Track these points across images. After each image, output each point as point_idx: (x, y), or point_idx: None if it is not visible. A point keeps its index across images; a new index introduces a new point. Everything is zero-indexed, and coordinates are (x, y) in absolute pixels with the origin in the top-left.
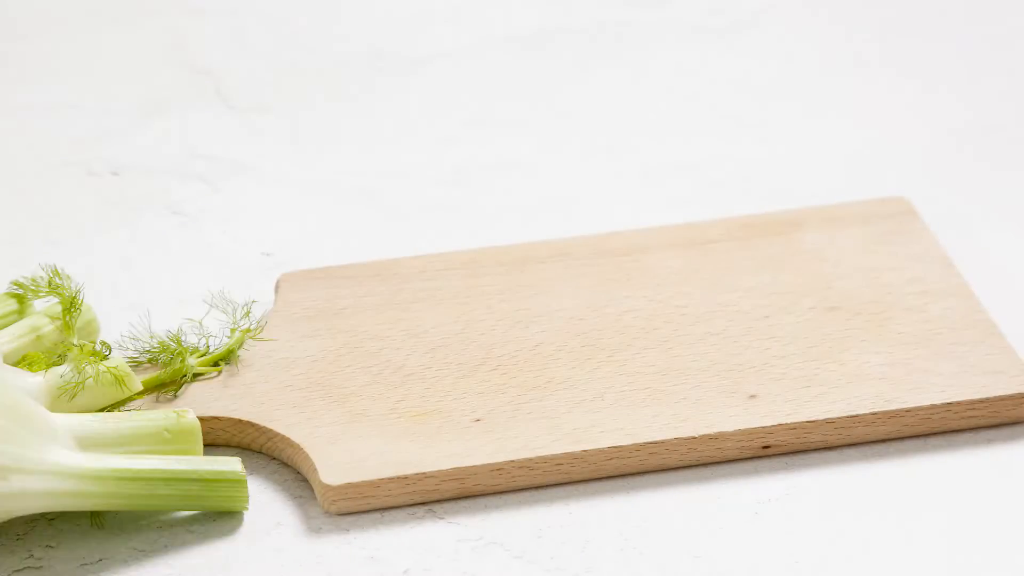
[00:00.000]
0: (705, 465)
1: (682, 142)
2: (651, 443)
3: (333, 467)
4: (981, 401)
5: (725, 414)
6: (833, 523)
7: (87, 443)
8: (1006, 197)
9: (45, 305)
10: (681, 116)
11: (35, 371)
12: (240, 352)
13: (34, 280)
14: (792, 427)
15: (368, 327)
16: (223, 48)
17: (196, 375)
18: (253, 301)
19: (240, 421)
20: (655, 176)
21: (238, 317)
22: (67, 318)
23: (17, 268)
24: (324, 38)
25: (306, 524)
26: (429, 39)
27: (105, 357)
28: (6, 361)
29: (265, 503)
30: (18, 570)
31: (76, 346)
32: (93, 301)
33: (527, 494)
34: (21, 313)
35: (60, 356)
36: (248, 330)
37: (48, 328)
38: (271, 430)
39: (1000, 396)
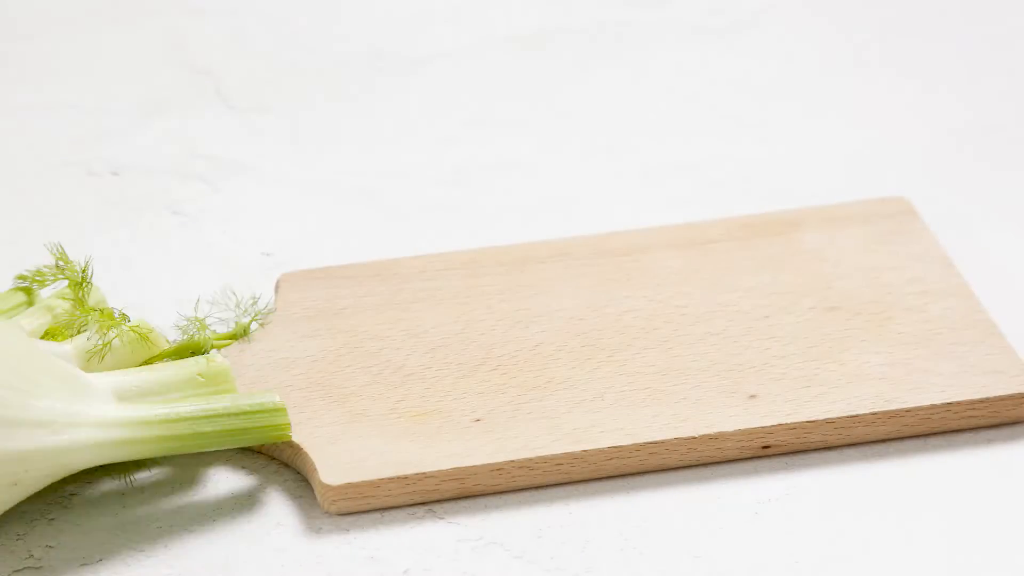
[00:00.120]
0: (705, 465)
1: (682, 142)
2: (651, 443)
3: (333, 467)
4: (981, 401)
5: (725, 414)
6: (833, 523)
7: (125, 396)
8: (1006, 197)
9: (51, 292)
10: (681, 116)
11: (60, 341)
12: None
13: (39, 271)
14: (792, 427)
15: (368, 327)
16: (223, 48)
17: (214, 346)
18: (258, 296)
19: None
20: (655, 176)
21: (246, 305)
22: (79, 294)
23: (17, 268)
24: (324, 38)
25: (306, 524)
26: (429, 39)
27: (125, 318)
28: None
29: (265, 503)
30: (18, 570)
31: (96, 311)
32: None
33: (527, 494)
34: (30, 304)
35: (81, 326)
36: (258, 311)
37: (61, 308)
38: None
39: (1000, 396)
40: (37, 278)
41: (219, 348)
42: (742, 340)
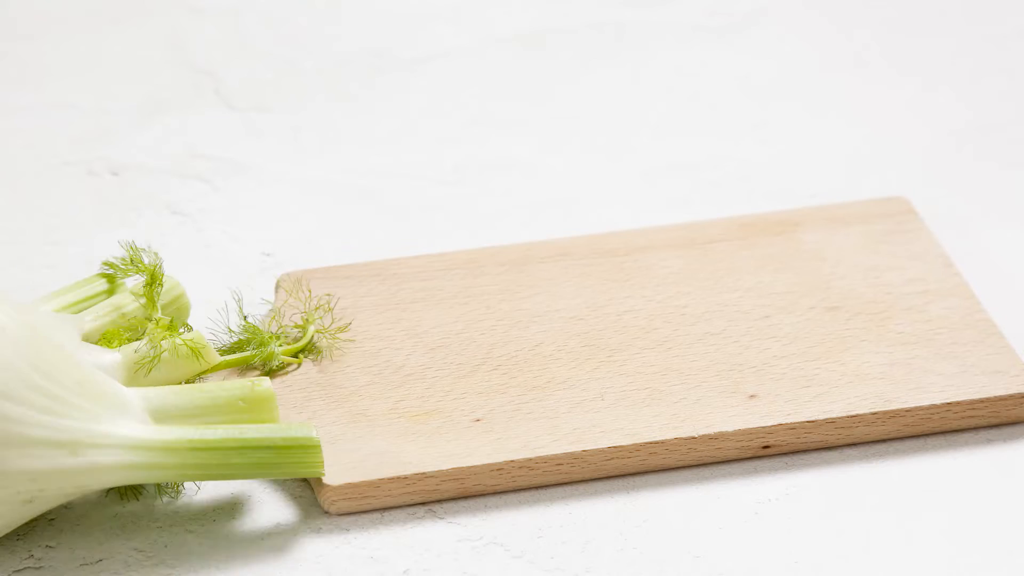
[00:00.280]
0: (705, 465)
1: (682, 142)
2: (651, 443)
3: (333, 467)
4: (981, 401)
5: (725, 414)
6: (833, 523)
7: (161, 415)
8: (1006, 197)
9: (134, 283)
10: (681, 116)
11: (112, 347)
12: (325, 347)
13: (123, 260)
14: (792, 427)
15: (368, 327)
16: (223, 48)
17: (280, 365)
18: (329, 294)
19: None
20: (655, 176)
21: (311, 308)
22: (149, 293)
23: (17, 268)
24: (324, 38)
25: (306, 524)
26: (429, 39)
27: (180, 331)
28: (87, 339)
29: (265, 503)
30: (18, 570)
31: (153, 320)
32: None
33: (527, 494)
34: (111, 292)
35: (139, 332)
36: (327, 329)
37: (132, 306)
38: None
39: (1000, 396)
40: (122, 267)
41: (286, 363)
42: (742, 340)
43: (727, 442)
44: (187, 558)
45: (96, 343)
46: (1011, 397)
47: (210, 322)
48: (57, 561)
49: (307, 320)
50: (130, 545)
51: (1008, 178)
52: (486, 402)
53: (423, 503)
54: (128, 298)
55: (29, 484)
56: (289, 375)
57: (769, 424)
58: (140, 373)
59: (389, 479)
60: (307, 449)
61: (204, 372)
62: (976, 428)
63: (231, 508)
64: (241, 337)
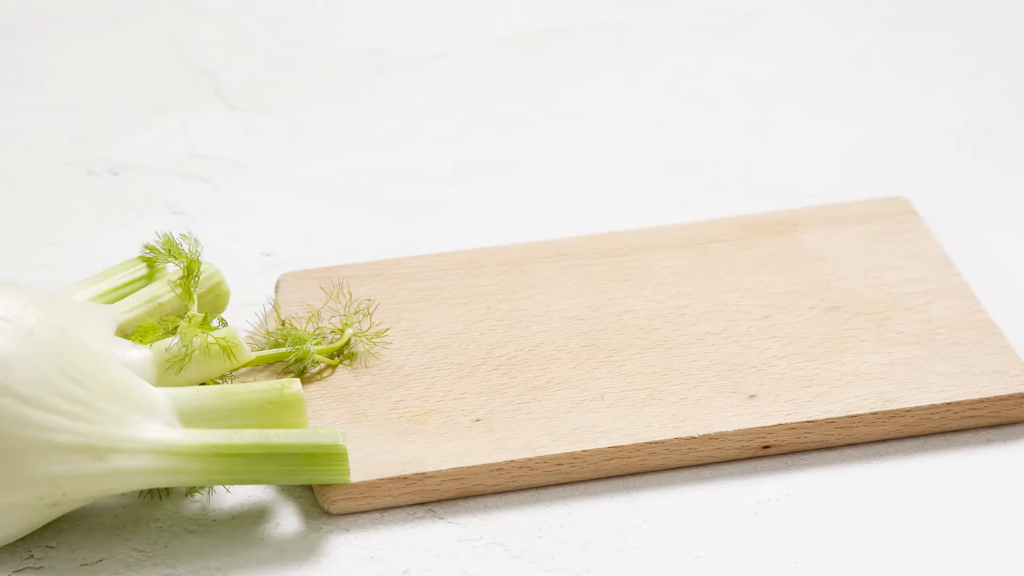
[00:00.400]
0: (705, 465)
1: (682, 142)
2: (651, 443)
3: None
4: (981, 401)
5: (725, 414)
6: (833, 523)
7: (189, 417)
8: (1006, 197)
9: (175, 268)
10: (681, 116)
11: (145, 343)
12: (362, 353)
13: (166, 242)
14: (792, 427)
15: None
16: (223, 48)
17: (314, 363)
18: (369, 300)
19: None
20: (655, 176)
21: (351, 309)
22: (186, 285)
23: (17, 268)
24: (324, 38)
25: (306, 524)
26: (429, 39)
27: (213, 328)
28: (122, 330)
29: (265, 503)
30: (18, 570)
31: (186, 317)
32: None
33: (527, 494)
34: (150, 277)
35: (173, 327)
36: (364, 332)
37: (168, 296)
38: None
39: (1000, 396)
40: (162, 253)
41: (322, 364)
42: (742, 340)
43: (727, 442)
44: (187, 558)
45: (130, 336)
46: (1011, 397)
47: (246, 324)
48: (57, 561)
49: (345, 323)
50: (130, 545)
51: (1008, 178)
52: (486, 402)
53: (423, 503)
54: (164, 288)
55: (53, 489)
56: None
57: (769, 424)
58: (171, 371)
59: (389, 479)
60: (333, 456)
61: (237, 368)
62: (976, 428)
63: (231, 508)
64: (278, 338)
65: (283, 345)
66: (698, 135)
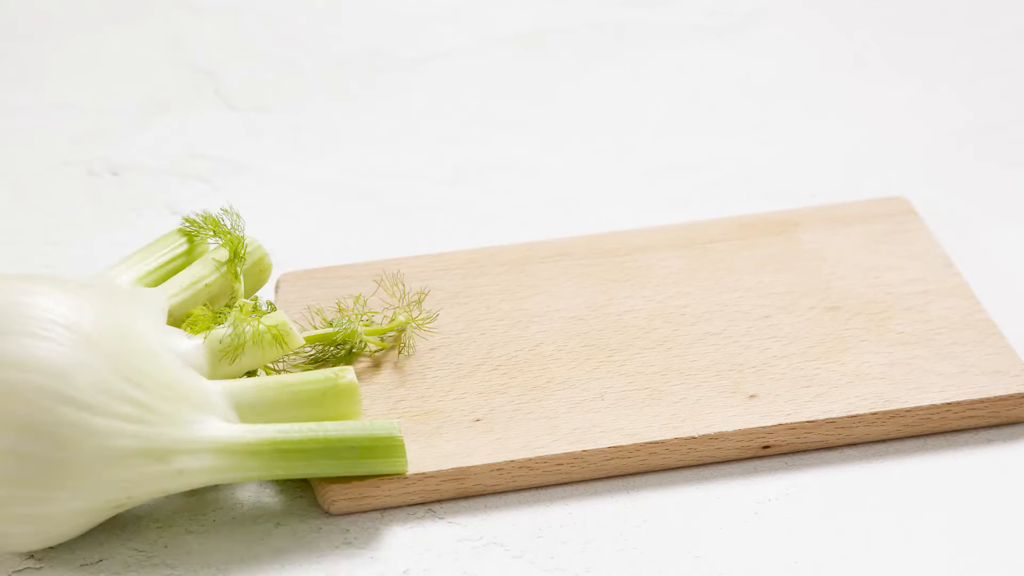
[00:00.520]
0: (705, 465)
1: (682, 142)
2: (651, 443)
3: None
4: (981, 401)
5: (725, 414)
6: (833, 523)
7: (245, 411)
8: (1006, 197)
9: (215, 246)
10: (681, 116)
11: (196, 332)
12: (413, 341)
13: (206, 217)
14: (792, 427)
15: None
16: (223, 48)
17: (365, 345)
18: (422, 292)
19: None
20: (655, 176)
21: (405, 302)
22: (232, 269)
23: (17, 268)
24: (324, 38)
25: (306, 524)
26: (429, 39)
27: (266, 313)
28: (173, 315)
29: (265, 503)
30: (18, 570)
31: (237, 307)
32: None
33: (527, 494)
34: (190, 254)
35: (222, 316)
36: (413, 318)
37: (214, 277)
38: None
39: (1000, 396)
40: (204, 226)
41: (372, 346)
42: (742, 340)
43: (727, 442)
44: (187, 558)
45: (181, 326)
46: (1011, 397)
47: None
48: (57, 561)
49: (399, 311)
50: (130, 545)
51: (1008, 178)
52: (486, 402)
53: (423, 503)
54: (209, 268)
55: (119, 493)
56: None
57: (769, 424)
58: (224, 362)
59: (389, 479)
60: (390, 447)
61: (287, 353)
62: (976, 428)
63: (231, 508)
64: (330, 327)
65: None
66: (698, 135)
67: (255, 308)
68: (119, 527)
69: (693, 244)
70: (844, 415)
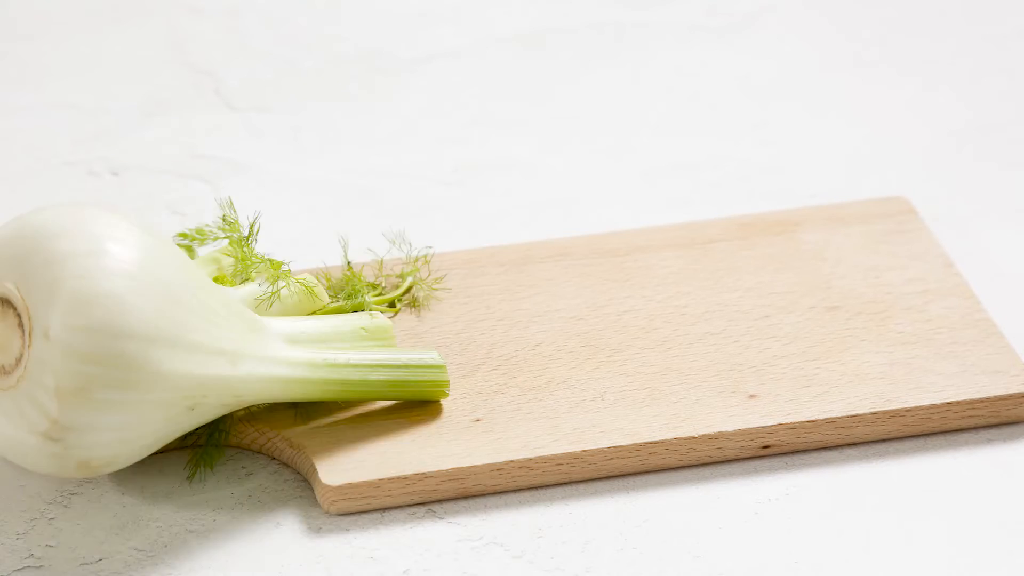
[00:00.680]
0: (705, 465)
1: (682, 142)
2: (651, 443)
3: (333, 467)
4: (981, 401)
5: (725, 414)
6: (833, 523)
7: (294, 341)
8: (1006, 197)
9: (212, 249)
10: (681, 116)
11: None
12: (422, 299)
13: (199, 230)
14: (792, 427)
15: None
16: (223, 48)
17: (371, 312)
18: (430, 247)
19: (240, 422)
20: (655, 176)
21: (414, 260)
22: (243, 250)
23: None
24: (324, 38)
25: (306, 524)
26: (429, 39)
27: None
28: None
29: (265, 503)
30: (18, 570)
31: (265, 260)
32: None
33: (527, 494)
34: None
35: (249, 274)
36: (424, 280)
37: (225, 261)
38: (271, 430)
39: (1000, 396)
40: (197, 236)
41: (380, 310)
42: (742, 340)
43: (727, 442)
44: (187, 558)
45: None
46: (1011, 397)
47: None
48: (57, 561)
49: (405, 272)
50: (130, 545)
51: (1008, 178)
52: (486, 402)
53: (423, 503)
54: (219, 255)
55: (195, 390)
56: None
57: (769, 424)
58: (262, 308)
59: (389, 479)
60: (435, 369)
61: (314, 313)
62: (976, 428)
63: (231, 508)
64: (342, 285)
65: (340, 294)
66: (698, 135)
67: (280, 266)
68: (119, 527)
69: (693, 244)
70: (844, 415)
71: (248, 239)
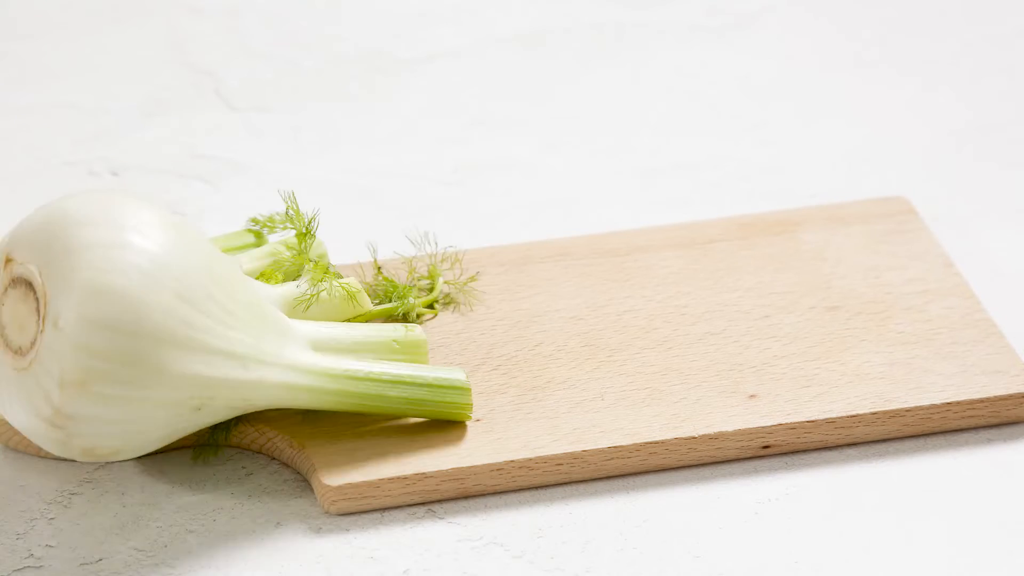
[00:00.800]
0: (705, 465)
1: (682, 142)
2: (651, 443)
3: (333, 467)
4: (981, 401)
5: (725, 414)
6: (833, 523)
7: (320, 347)
8: (1006, 197)
9: (279, 239)
10: (681, 116)
11: (272, 283)
12: (458, 298)
13: (270, 218)
14: (792, 427)
15: None
16: (223, 48)
17: (419, 315)
18: (451, 247)
19: (240, 421)
20: (655, 176)
21: (438, 261)
22: (302, 245)
23: None
24: (324, 38)
25: (306, 524)
26: (429, 39)
27: (338, 275)
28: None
29: (265, 503)
30: (18, 570)
31: (311, 261)
32: None
33: (527, 494)
34: (258, 246)
35: (294, 273)
36: (455, 281)
37: (284, 255)
38: (271, 430)
39: (1000, 396)
40: (268, 224)
41: (423, 315)
42: (742, 340)
43: (727, 442)
44: (187, 558)
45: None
46: (1011, 397)
47: None
48: (57, 561)
49: (433, 272)
50: (130, 545)
51: (1008, 178)
52: (486, 402)
53: (423, 503)
54: (280, 247)
55: (201, 391)
56: None
57: (769, 424)
58: (298, 309)
59: (389, 479)
60: (458, 391)
61: (356, 318)
62: (976, 428)
63: (231, 508)
64: (378, 289)
65: (380, 297)
66: (698, 135)
67: (328, 268)
68: (119, 527)
69: (693, 244)
70: (844, 415)
71: (305, 237)
